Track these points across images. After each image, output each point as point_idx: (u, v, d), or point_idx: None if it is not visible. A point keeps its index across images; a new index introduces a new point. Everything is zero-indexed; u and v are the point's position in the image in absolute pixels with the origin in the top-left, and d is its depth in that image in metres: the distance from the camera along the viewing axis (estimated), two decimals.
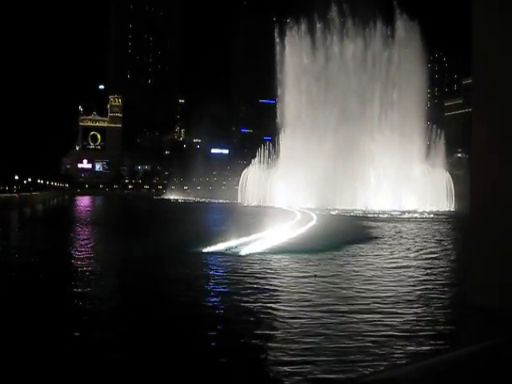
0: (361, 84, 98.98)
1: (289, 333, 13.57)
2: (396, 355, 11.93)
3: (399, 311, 16.23)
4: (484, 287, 16.33)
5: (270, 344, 12.83)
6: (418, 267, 25.54)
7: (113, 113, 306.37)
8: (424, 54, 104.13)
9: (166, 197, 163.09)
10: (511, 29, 15.68)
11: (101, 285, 20.81)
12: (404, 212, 79.64)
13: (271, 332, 13.86)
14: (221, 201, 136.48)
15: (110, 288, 20.61)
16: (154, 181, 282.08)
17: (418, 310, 16.52)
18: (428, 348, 12.80)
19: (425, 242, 38.05)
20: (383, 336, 13.39)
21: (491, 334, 11.98)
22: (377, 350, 12.23)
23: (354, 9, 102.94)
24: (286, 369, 10.95)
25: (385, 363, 11.29)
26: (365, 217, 70.00)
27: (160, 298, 18.68)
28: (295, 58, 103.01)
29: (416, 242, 37.91)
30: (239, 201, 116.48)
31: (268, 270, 23.49)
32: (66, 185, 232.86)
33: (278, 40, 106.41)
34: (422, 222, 62.86)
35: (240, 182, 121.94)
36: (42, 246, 34.46)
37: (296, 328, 13.99)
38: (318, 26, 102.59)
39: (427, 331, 14.20)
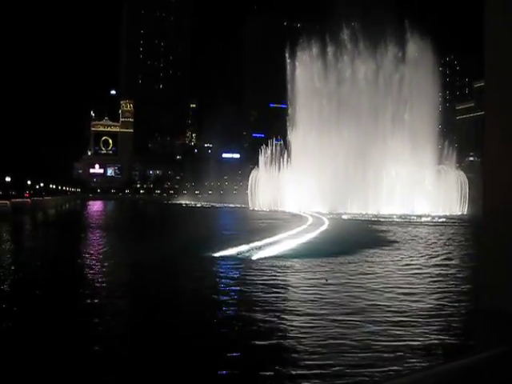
0: (373, 100, 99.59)
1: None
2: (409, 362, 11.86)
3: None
4: (497, 291, 16.18)
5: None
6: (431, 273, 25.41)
7: (124, 118, 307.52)
8: (435, 69, 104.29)
9: (178, 201, 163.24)
10: None
11: (111, 296, 20.86)
12: (417, 216, 79.20)
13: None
14: (231, 205, 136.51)
15: (121, 300, 20.64)
16: (166, 185, 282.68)
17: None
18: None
19: (439, 246, 37.88)
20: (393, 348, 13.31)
21: (504, 339, 11.89)
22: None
23: (366, 27, 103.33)
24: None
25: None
26: (377, 221, 69.73)
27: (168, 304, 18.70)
28: (307, 79, 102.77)
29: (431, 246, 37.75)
30: (250, 205, 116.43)
31: (278, 276, 23.47)
32: (78, 189, 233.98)
33: (289, 60, 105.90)
34: (435, 226, 62.53)
35: (249, 187, 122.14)
36: (55, 250, 34.62)
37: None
38: (330, 48, 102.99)
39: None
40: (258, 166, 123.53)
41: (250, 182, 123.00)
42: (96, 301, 18.36)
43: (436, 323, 15.52)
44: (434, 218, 77.62)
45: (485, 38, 16.71)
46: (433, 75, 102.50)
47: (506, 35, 16.26)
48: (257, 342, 13.25)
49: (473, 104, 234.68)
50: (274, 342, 13.28)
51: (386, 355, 12.16)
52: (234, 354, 12.53)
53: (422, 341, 13.58)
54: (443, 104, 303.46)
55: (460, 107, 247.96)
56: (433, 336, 14.11)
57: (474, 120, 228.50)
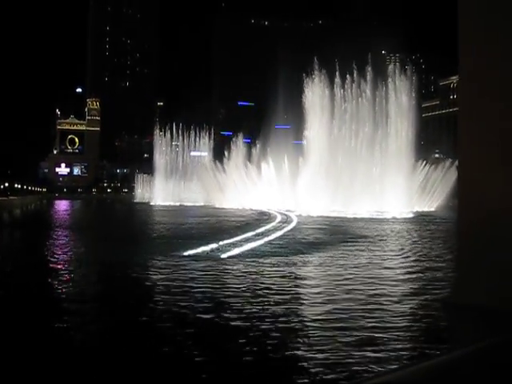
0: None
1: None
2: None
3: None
4: (470, 286, 16.54)
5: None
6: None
7: (91, 116, 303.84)
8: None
9: (146, 200, 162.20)
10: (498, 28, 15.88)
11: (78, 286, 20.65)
12: (382, 213, 79.99)
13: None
14: (201, 204, 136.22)
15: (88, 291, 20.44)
16: (133, 184, 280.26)
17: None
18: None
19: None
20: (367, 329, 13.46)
21: (481, 333, 12.10)
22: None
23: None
24: None
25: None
26: (345, 219, 70.34)
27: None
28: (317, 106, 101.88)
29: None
30: (217, 204, 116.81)
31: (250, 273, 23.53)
32: (44, 189, 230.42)
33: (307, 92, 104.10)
34: (404, 222, 63.39)
35: (217, 185, 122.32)
36: (21, 250, 34.11)
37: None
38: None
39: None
40: (225, 165, 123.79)
41: (218, 180, 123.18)
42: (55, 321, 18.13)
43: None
44: (401, 214, 78.53)
45: (459, 32, 16.95)
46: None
47: (478, 28, 16.55)
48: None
49: (438, 102, 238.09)
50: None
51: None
52: None
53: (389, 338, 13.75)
54: (410, 102, 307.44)
55: (426, 105, 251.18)
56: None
57: (438, 117, 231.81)
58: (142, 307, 17.39)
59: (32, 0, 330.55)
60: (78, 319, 15.91)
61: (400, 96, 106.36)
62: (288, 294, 18.98)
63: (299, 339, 13.36)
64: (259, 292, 19.34)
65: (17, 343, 13.32)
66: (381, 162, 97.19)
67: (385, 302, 17.46)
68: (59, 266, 27.11)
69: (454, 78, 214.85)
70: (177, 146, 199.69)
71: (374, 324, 14.72)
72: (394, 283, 21.24)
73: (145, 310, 16.99)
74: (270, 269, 24.85)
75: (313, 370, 11.11)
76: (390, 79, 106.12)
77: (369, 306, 16.91)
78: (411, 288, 20.49)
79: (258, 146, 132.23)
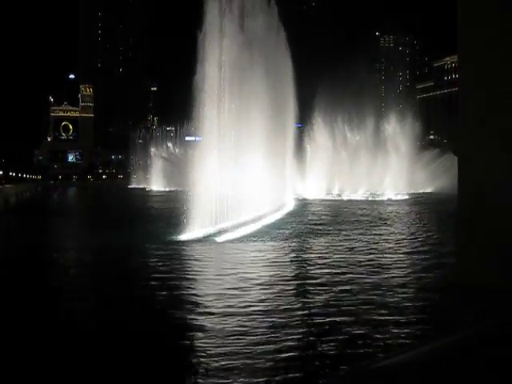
0: None
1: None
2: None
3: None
4: (473, 266, 16.69)
5: None
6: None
7: (84, 102, 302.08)
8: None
9: (141, 186, 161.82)
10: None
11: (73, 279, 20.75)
12: (377, 195, 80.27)
13: None
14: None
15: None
16: (129, 170, 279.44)
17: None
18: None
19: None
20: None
21: (484, 312, 12.23)
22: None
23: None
24: None
25: None
26: (338, 200, 70.58)
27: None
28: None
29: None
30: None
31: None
32: (39, 176, 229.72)
33: None
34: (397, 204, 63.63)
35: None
36: (20, 236, 34.16)
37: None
38: None
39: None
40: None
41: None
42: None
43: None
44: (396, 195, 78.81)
45: (459, 12, 16.90)
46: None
47: (478, 7, 16.51)
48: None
49: (432, 83, 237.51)
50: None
51: None
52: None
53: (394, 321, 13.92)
54: (403, 83, 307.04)
55: (420, 86, 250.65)
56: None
57: (433, 99, 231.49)
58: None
59: None
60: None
61: (394, 78, 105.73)
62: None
63: None
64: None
65: None
66: (376, 145, 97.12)
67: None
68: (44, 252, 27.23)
69: (447, 58, 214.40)
70: (171, 131, 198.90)
71: None
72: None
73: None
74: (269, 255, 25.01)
75: None
76: (384, 60, 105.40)
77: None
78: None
79: None
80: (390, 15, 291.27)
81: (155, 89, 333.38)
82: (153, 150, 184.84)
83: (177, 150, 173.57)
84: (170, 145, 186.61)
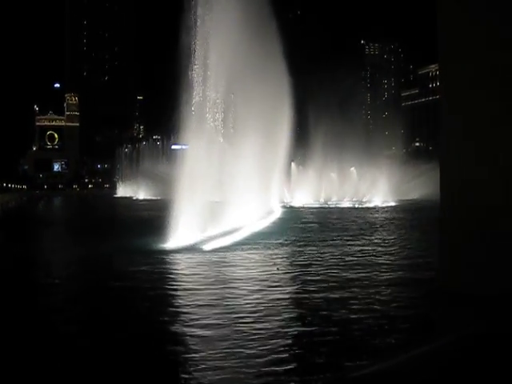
0: None
1: None
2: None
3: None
4: (454, 272, 16.67)
5: None
6: None
7: (70, 111, 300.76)
8: None
9: (128, 195, 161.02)
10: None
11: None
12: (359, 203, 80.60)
13: None
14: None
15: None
16: (115, 179, 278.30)
17: None
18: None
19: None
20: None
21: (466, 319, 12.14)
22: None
23: None
24: None
25: None
26: (326, 209, 70.67)
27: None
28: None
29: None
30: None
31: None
32: (24, 186, 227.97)
33: None
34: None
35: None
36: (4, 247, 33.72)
37: None
38: None
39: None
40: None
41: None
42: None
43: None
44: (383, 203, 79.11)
45: (438, 26, 16.93)
46: None
47: (459, 22, 16.53)
48: None
49: (417, 90, 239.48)
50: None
51: None
52: None
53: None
54: (389, 91, 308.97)
55: (405, 94, 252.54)
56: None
57: (418, 106, 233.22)
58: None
59: None
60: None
61: (379, 86, 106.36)
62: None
63: None
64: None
65: None
66: (361, 152, 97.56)
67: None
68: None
69: (432, 66, 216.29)
70: (157, 139, 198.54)
71: None
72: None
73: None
74: (253, 262, 24.83)
75: None
76: (369, 68, 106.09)
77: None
78: None
79: None
80: (374, 23, 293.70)
81: (141, 97, 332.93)
82: (139, 158, 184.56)
83: (163, 159, 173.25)
84: (156, 153, 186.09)
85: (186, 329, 13.80)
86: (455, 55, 16.28)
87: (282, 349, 11.93)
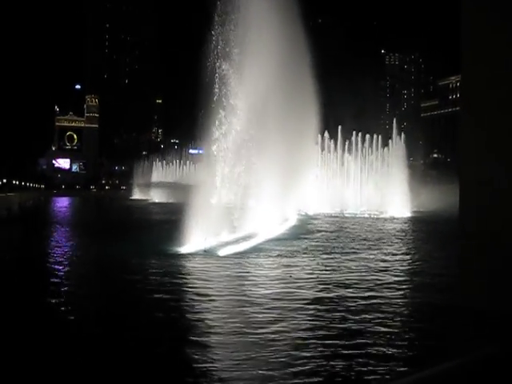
0: None
1: None
2: None
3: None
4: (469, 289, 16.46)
5: None
6: None
7: (89, 113, 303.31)
8: None
9: (144, 197, 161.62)
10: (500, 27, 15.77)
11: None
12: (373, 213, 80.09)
13: None
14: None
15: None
16: (131, 181, 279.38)
17: None
18: None
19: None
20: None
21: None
22: None
23: None
24: None
25: None
26: (343, 218, 70.35)
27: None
28: None
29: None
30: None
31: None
32: (42, 186, 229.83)
33: None
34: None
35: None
36: (19, 246, 33.97)
37: None
38: None
39: None
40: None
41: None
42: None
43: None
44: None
45: (461, 35, 16.81)
46: None
47: (481, 31, 16.40)
48: None
49: (437, 102, 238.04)
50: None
51: None
52: None
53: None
54: (408, 101, 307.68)
55: (424, 105, 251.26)
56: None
57: (438, 117, 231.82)
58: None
59: None
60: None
61: (399, 96, 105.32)
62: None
63: None
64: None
65: None
66: (380, 163, 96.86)
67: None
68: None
69: (452, 78, 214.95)
70: (175, 143, 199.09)
71: None
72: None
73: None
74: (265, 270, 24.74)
75: None
76: (389, 78, 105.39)
77: None
78: None
79: None
80: (395, 33, 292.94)
81: (160, 101, 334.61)
82: (156, 161, 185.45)
83: (181, 162, 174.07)
84: (173, 157, 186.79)
85: (202, 338, 13.78)
86: (476, 60, 16.12)
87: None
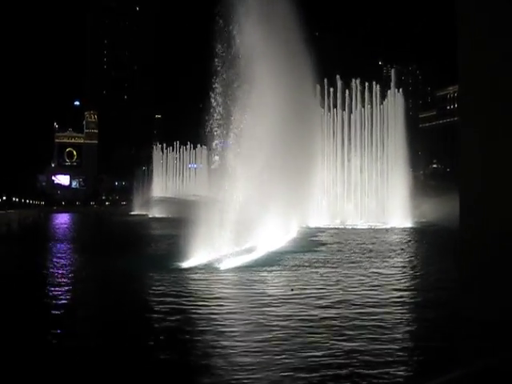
0: None
1: None
2: None
3: None
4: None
5: None
6: None
7: (89, 129, 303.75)
8: None
9: (143, 212, 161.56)
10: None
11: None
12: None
13: None
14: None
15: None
16: (131, 197, 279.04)
17: None
18: None
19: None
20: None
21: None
22: None
23: None
24: None
25: None
26: (343, 230, 70.24)
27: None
28: None
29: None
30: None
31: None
32: (42, 202, 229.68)
33: None
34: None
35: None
36: (20, 264, 33.86)
37: None
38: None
39: None
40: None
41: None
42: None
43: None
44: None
45: (458, 46, 16.86)
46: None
47: (478, 41, 16.45)
48: None
49: (435, 112, 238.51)
50: None
51: None
52: None
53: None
54: (406, 112, 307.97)
55: (422, 115, 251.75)
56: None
57: (436, 128, 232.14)
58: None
59: (29, 13, 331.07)
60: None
61: (397, 107, 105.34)
62: None
63: None
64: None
65: None
66: (379, 174, 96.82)
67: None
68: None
69: (450, 88, 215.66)
70: (174, 158, 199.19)
71: None
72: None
73: None
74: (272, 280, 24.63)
75: None
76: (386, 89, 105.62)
77: None
78: None
79: None
80: (393, 44, 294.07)
81: (159, 116, 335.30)
82: (156, 177, 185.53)
83: (180, 177, 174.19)
84: (173, 172, 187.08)
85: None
86: (473, 70, 16.15)
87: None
